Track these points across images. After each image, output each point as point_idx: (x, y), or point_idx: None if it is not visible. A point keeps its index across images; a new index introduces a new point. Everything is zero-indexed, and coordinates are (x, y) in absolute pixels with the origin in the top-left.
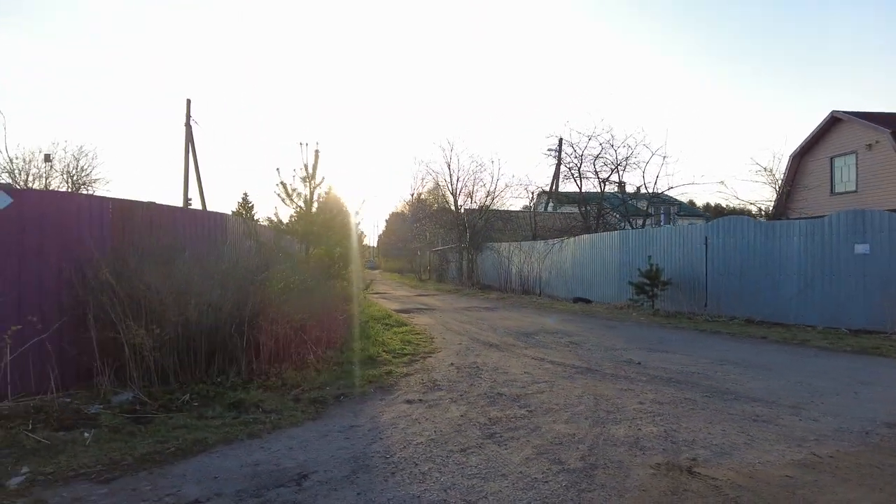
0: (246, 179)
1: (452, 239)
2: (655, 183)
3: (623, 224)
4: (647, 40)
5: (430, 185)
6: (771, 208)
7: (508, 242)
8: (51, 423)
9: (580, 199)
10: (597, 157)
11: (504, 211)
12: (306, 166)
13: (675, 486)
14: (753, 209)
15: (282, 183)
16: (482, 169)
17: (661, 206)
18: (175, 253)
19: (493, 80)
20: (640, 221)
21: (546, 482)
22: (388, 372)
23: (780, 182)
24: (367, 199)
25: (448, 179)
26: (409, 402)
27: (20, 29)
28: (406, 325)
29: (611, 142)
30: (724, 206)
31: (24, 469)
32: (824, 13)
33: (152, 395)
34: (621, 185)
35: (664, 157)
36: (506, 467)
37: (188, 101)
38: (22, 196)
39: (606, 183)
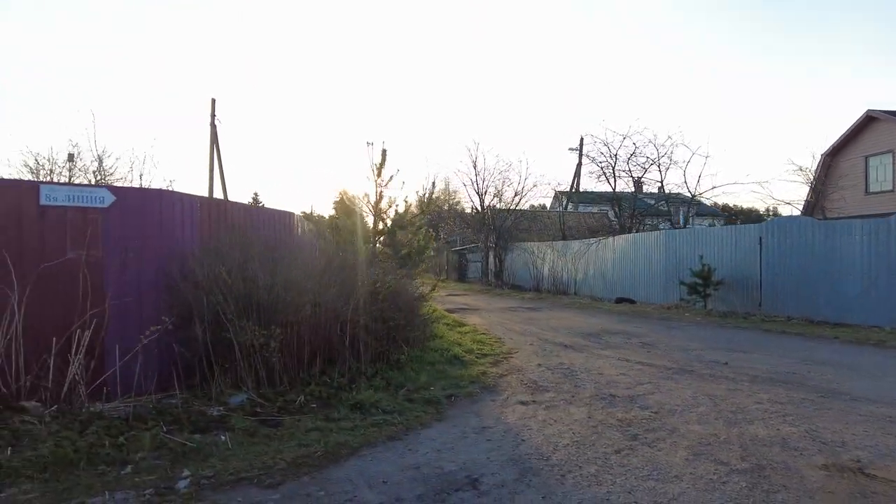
0: (251, 178)
1: (478, 238)
2: (698, 183)
3: (663, 224)
4: (679, 37)
5: (442, 185)
6: (802, 208)
7: (540, 242)
8: (184, 425)
9: (614, 198)
10: (631, 155)
11: (532, 210)
12: (373, 166)
13: (860, 488)
14: (762, 207)
15: (345, 188)
16: (510, 168)
17: (679, 207)
18: (277, 250)
19: (519, 76)
20: (674, 221)
21: (724, 483)
22: (482, 372)
23: (813, 181)
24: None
25: (473, 179)
26: (522, 403)
27: (22, 28)
28: (465, 324)
29: (653, 140)
30: (732, 206)
31: (185, 472)
32: (860, 5)
33: (263, 396)
34: (638, 184)
35: (706, 157)
36: (672, 469)
37: (213, 101)
38: (123, 193)
39: (641, 183)
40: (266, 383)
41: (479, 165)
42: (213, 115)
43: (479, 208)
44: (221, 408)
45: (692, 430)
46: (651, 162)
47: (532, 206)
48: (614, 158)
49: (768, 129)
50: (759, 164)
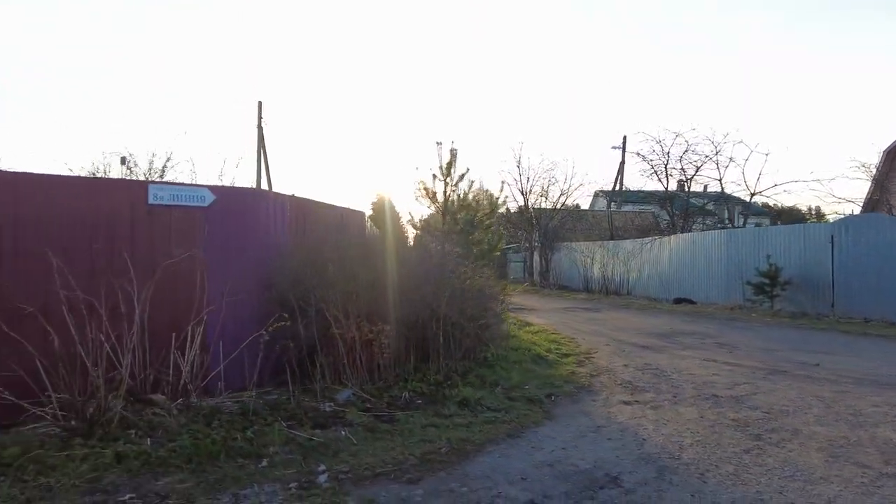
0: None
1: (520, 237)
2: (758, 181)
3: (720, 224)
4: (736, 35)
5: (478, 184)
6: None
7: (588, 242)
8: (304, 421)
9: (666, 197)
10: (684, 153)
11: (578, 210)
12: (442, 165)
13: None
14: (814, 206)
15: (421, 182)
16: (555, 167)
17: (726, 206)
18: (370, 251)
19: (557, 76)
20: (732, 220)
21: (878, 486)
22: (572, 372)
23: (875, 177)
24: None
25: (517, 178)
26: (625, 403)
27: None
28: (531, 324)
29: (711, 137)
30: (772, 205)
31: (322, 467)
32: None
33: (366, 391)
34: (684, 183)
35: (766, 155)
36: (815, 470)
37: (259, 104)
38: (222, 193)
39: (687, 182)
40: (368, 379)
41: (524, 165)
42: (259, 118)
43: (525, 207)
44: (331, 403)
45: (816, 432)
46: (706, 159)
47: (565, 204)
48: (667, 156)
49: (831, 127)
50: (821, 161)
